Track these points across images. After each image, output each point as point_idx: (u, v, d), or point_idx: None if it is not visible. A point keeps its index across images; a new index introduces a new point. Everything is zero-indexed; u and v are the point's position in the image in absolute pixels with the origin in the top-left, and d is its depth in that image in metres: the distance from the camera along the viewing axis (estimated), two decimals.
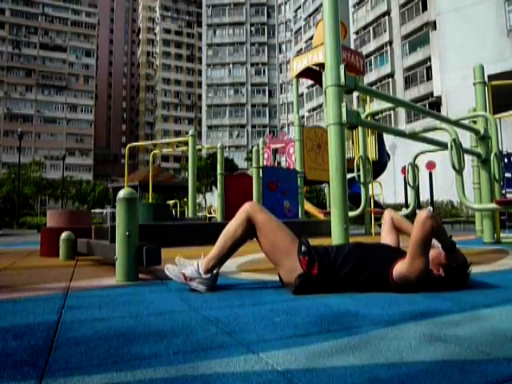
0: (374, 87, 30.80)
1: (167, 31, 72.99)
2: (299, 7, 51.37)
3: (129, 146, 11.63)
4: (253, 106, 57.72)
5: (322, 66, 8.68)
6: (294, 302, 1.66)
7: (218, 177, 8.31)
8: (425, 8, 29.36)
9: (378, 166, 9.56)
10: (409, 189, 8.66)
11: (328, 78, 2.93)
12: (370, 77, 33.33)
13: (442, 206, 16.58)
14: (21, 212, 26.79)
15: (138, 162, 69.50)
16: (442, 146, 4.40)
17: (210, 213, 16.71)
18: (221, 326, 1.30)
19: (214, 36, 58.64)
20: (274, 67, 58.07)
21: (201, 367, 0.94)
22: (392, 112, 30.90)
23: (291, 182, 7.80)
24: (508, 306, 1.56)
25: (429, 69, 28.85)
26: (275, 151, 11.37)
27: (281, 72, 57.59)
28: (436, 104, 25.85)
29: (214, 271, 1.93)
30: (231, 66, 57.83)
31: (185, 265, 1.96)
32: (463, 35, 21.13)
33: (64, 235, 3.60)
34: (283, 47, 57.39)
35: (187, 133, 8.73)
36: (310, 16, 47.85)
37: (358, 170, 6.79)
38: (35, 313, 1.53)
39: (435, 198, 13.82)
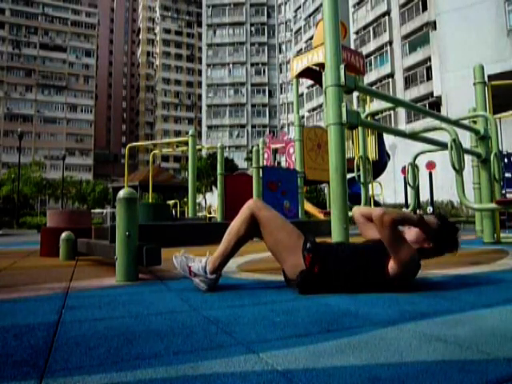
0: (374, 87, 30.81)
1: (167, 31, 73.00)
2: (299, 7, 51.38)
3: (129, 145, 11.63)
4: (253, 106, 57.72)
5: (322, 66, 8.68)
6: (294, 302, 1.66)
7: (218, 177, 8.31)
8: (425, 8, 29.37)
9: (378, 166, 9.55)
10: (409, 189, 8.67)
11: (328, 77, 2.93)
12: (369, 77, 33.33)
13: (442, 206, 16.58)
14: (21, 212, 26.81)
15: (137, 162, 69.52)
16: (442, 145, 4.40)
17: (210, 213, 16.70)
18: (221, 326, 1.30)
19: (214, 36, 58.64)
20: (274, 67, 58.07)
21: (201, 367, 0.94)
22: (392, 112, 30.90)
23: (291, 182, 7.79)
24: (508, 306, 1.56)
25: (429, 69, 28.86)
26: (275, 151, 11.37)
27: (281, 72, 57.58)
28: (436, 104, 25.85)
29: (219, 272, 1.94)
30: (231, 66, 57.83)
31: (191, 258, 1.97)
32: (463, 35, 21.12)
33: (64, 235, 3.60)
34: (283, 47, 57.39)
35: (187, 133, 8.72)
36: (310, 16, 47.85)
37: (358, 170, 6.78)
38: (35, 313, 1.53)
39: (435, 198, 13.82)
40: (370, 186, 7.42)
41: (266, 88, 57.83)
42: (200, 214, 18.66)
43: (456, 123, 4.58)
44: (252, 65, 58.09)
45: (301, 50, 45.21)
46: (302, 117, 42.36)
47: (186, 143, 8.86)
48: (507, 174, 8.78)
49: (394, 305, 1.57)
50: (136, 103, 79.93)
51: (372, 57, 34.58)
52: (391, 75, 32.93)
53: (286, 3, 57.06)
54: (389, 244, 1.75)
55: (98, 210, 24.56)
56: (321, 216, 9.45)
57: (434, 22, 25.50)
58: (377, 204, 8.84)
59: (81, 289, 2.10)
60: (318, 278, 1.79)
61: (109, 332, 1.25)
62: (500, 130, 6.34)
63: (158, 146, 14.65)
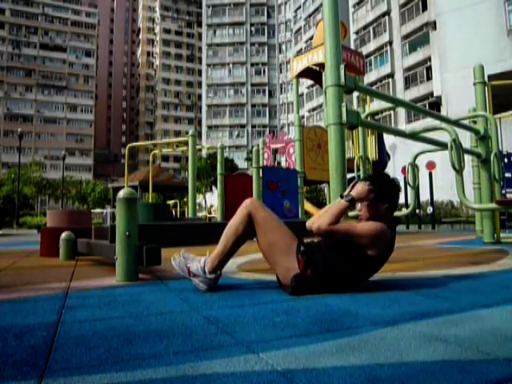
0: (374, 87, 30.81)
1: (167, 31, 73.00)
2: (299, 7, 51.38)
3: (129, 145, 11.64)
4: (253, 106, 57.71)
5: (322, 66, 8.68)
6: (293, 302, 1.66)
7: (218, 177, 8.31)
8: (425, 8, 29.37)
9: (378, 166, 9.55)
10: (409, 189, 8.66)
11: (328, 77, 2.93)
12: (370, 77, 33.33)
13: (442, 206, 16.57)
14: (21, 212, 26.81)
15: (137, 162, 69.50)
16: (442, 145, 4.40)
17: (210, 213, 16.71)
18: (221, 325, 1.30)
19: (214, 36, 58.63)
20: (274, 67, 58.07)
21: (201, 367, 0.94)
22: (392, 112, 30.90)
23: (291, 182, 7.79)
24: (508, 305, 1.56)
25: (429, 69, 28.86)
26: (275, 151, 11.37)
27: (281, 72, 57.58)
28: (436, 104, 25.85)
29: (218, 272, 1.93)
30: (231, 66, 57.83)
31: (191, 258, 1.96)
32: (463, 35, 21.11)
33: (64, 235, 3.60)
34: (283, 47, 57.39)
35: (187, 133, 8.72)
36: (310, 16, 47.86)
37: (358, 170, 6.78)
38: (35, 313, 1.53)
39: (435, 198, 13.81)
40: None
41: (266, 88, 57.83)
42: (200, 214, 18.67)
43: (456, 123, 4.58)
44: (252, 65, 58.08)
45: (301, 50, 45.21)
46: (302, 117, 42.38)
47: (186, 143, 8.86)
48: (507, 174, 8.77)
49: (394, 305, 1.57)
50: (136, 103, 79.92)
51: (372, 57, 34.58)
52: (391, 75, 32.93)
53: (286, 3, 57.06)
54: (346, 239, 1.78)
55: (98, 210, 24.58)
56: None
57: (434, 22, 25.50)
58: None
59: (81, 289, 2.10)
60: (311, 280, 1.78)
61: (109, 332, 1.25)
62: (500, 130, 6.34)
63: (158, 145, 14.65)
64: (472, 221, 10.17)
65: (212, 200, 25.62)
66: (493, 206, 4.59)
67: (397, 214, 2.33)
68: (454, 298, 1.71)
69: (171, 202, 16.58)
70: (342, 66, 2.90)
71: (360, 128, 7.06)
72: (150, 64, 76.20)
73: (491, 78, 10.99)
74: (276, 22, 58.63)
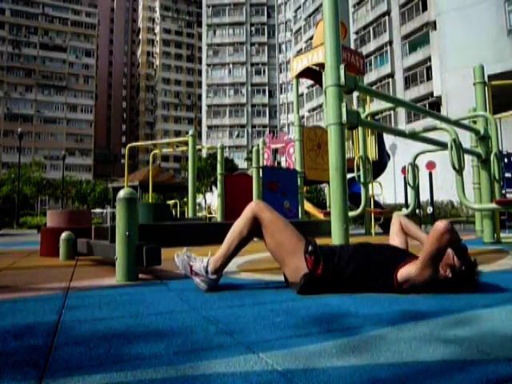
0: (374, 87, 30.81)
1: (167, 31, 73.00)
2: (299, 7, 51.35)
3: (129, 146, 11.63)
4: (253, 106, 57.71)
5: (322, 66, 8.68)
6: (294, 302, 1.66)
7: (218, 177, 8.31)
8: (425, 8, 29.36)
9: (378, 166, 9.54)
10: (409, 189, 8.66)
11: (328, 77, 2.93)
12: (370, 77, 33.32)
13: (442, 206, 16.57)
14: (21, 212, 26.80)
15: (137, 162, 69.49)
16: (442, 146, 4.40)
17: (210, 213, 16.70)
18: (221, 326, 1.30)
19: (214, 36, 58.63)
20: (274, 67, 58.07)
21: (201, 367, 0.94)
22: (392, 112, 30.89)
23: (291, 182, 7.79)
24: (508, 306, 1.56)
25: (429, 69, 28.85)
26: (275, 151, 11.37)
27: (281, 72, 57.58)
28: (436, 104, 25.85)
29: (220, 272, 1.94)
30: (231, 66, 57.82)
31: (193, 258, 1.97)
32: (463, 35, 21.12)
33: (64, 235, 3.60)
34: (283, 47, 57.38)
35: (187, 133, 8.72)
36: (310, 16, 47.83)
37: (358, 170, 6.78)
38: (35, 313, 1.53)
39: (435, 198, 13.81)
40: (369, 185, 7.42)
41: (266, 88, 57.82)
42: (200, 214, 18.66)
43: (456, 123, 4.58)
44: (252, 65, 58.08)
45: (301, 50, 45.18)
46: (302, 117, 42.37)
47: (186, 143, 8.86)
48: (507, 174, 8.78)
49: (394, 305, 1.57)
50: (136, 103, 79.91)
51: (372, 57, 34.56)
52: (391, 75, 32.93)
53: (285, 3, 57.05)
54: (428, 255, 1.68)
55: (98, 210, 24.56)
56: (321, 216, 9.44)
57: (434, 22, 25.50)
58: (377, 204, 8.84)
59: (81, 289, 2.10)
60: (321, 280, 1.78)
61: (109, 332, 1.25)
62: (500, 130, 6.33)
63: (158, 145, 14.63)
64: (472, 221, 10.16)
65: (211, 200, 25.62)
66: (493, 206, 4.59)
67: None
68: (454, 297, 1.71)
69: (171, 202, 16.56)
70: (342, 66, 2.90)
71: (360, 128, 7.06)
72: (149, 64, 76.18)
73: (491, 78, 10.98)
74: (276, 22, 58.63)
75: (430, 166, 12.94)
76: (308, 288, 1.78)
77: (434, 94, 26.00)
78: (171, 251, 2.15)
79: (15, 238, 10.71)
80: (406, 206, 11.41)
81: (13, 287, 2.20)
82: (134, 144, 13.29)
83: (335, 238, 2.81)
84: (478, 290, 1.88)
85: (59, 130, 62.30)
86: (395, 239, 2.15)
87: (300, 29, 50.72)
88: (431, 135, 4.35)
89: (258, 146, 8.37)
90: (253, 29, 58.67)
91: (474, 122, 5.59)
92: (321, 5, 3.99)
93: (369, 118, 5.63)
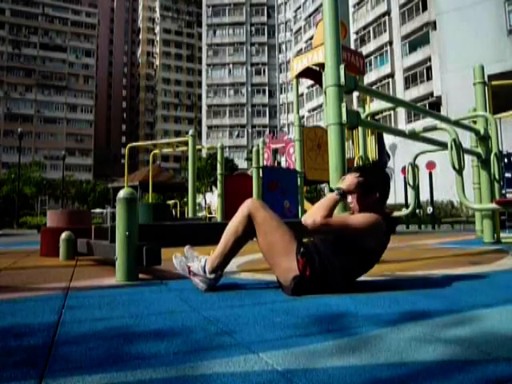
0: (374, 87, 30.82)
1: (167, 31, 72.96)
2: (299, 7, 51.34)
3: (129, 146, 11.63)
4: (253, 106, 57.68)
5: (322, 66, 8.67)
6: (294, 302, 1.66)
7: (218, 177, 8.31)
8: (425, 8, 29.35)
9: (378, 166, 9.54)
10: (409, 189, 8.65)
11: (328, 77, 2.93)
12: (370, 77, 33.30)
13: (442, 206, 16.57)
14: (21, 212, 26.78)
15: (138, 162, 69.44)
16: (442, 146, 4.39)
17: (210, 213, 16.70)
18: (221, 326, 1.30)
19: (214, 36, 58.61)
20: (274, 67, 58.05)
21: (201, 367, 0.94)
22: (392, 112, 30.87)
23: (291, 182, 7.79)
24: (508, 305, 1.56)
25: (429, 69, 28.84)
26: (275, 151, 11.37)
27: (281, 72, 57.56)
28: (436, 104, 25.84)
29: (219, 272, 1.93)
30: (231, 66, 57.80)
31: (193, 257, 1.96)
32: (463, 35, 21.10)
33: (64, 235, 3.60)
34: (283, 47, 57.36)
35: (187, 133, 8.72)
36: (310, 16, 47.82)
37: None
38: (35, 313, 1.53)
39: (435, 198, 13.81)
40: None
41: (266, 88, 57.80)
42: (200, 214, 18.66)
43: (456, 123, 4.57)
44: (252, 65, 58.05)
45: (301, 50, 45.21)
46: (302, 117, 42.33)
47: (186, 143, 8.86)
48: (507, 174, 8.77)
49: (394, 305, 1.57)
50: (136, 103, 79.87)
51: (372, 57, 34.55)
52: (391, 75, 32.91)
53: (285, 3, 57.02)
54: (341, 231, 1.80)
55: (98, 210, 24.56)
56: None
57: (434, 22, 25.49)
58: None
59: (81, 289, 2.10)
60: (310, 281, 1.77)
61: (109, 332, 1.25)
62: (500, 130, 6.33)
63: (158, 145, 14.62)
64: (472, 221, 10.16)
65: (211, 200, 25.61)
66: (493, 206, 4.59)
67: (397, 214, 2.33)
68: (454, 298, 1.71)
69: (171, 202, 16.57)
70: (342, 66, 2.90)
71: (360, 128, 7.06)
72: (150, 64, 76.15)
73: (491, 77, 10.97)
74: (276, 22, 58.61)
75: (430, 166, 12.93)
76: (299, 290, 1.76)
77: (434, 94, 25.99)
78: (171, 251, 2.15)
79: (15, 238, 10.71)
80: (406, 206, 11.40)
81: (13, 287, 2.20)
82: (134, 144, 13.29)
83: None
84: (478, 290, 1.88)
85: (59, 130, 62.26)
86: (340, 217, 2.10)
87: (300, 29, 50.72)
88: (431, 135, 4.35)
89: (258, 146, 8.37)
90: (253, 29, 58.65)
91: (474, 122, 5.59)
92: (321, 5, 3.99)
93: (369, 118, 5.63)
